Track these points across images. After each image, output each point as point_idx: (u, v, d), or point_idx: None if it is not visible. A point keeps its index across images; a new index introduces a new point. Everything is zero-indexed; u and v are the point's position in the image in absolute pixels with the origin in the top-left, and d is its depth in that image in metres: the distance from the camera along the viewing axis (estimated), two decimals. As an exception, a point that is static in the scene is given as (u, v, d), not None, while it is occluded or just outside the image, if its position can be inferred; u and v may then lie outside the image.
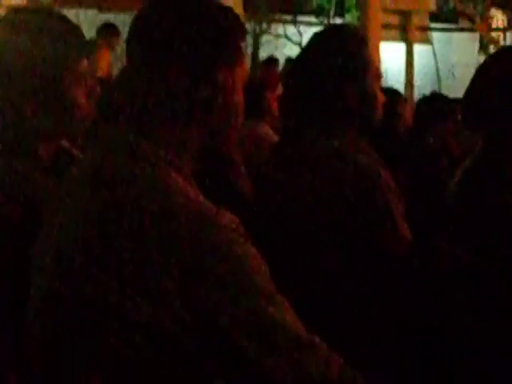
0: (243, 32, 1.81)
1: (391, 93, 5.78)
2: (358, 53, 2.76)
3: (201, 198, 1.63)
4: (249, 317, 1.54)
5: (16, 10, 2.36)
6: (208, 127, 1.74)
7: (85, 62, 2.17)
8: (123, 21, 8.23)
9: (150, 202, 1.57)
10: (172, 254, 1.53)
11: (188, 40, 1.70)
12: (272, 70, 5.11)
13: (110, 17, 11.53)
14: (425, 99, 5.96)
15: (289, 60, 9.41)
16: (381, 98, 2.80)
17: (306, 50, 2.84)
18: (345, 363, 1.60)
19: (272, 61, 10.64)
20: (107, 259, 1.57)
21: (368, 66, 2.76)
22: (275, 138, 5.03)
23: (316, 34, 2.86)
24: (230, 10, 1.80)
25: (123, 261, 1.55)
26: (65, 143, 2.28)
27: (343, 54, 2.71)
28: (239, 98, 1.78)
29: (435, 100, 5.87)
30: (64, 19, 2.18)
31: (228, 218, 1.59)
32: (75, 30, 2.17)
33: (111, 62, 9.49)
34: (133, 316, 1.53)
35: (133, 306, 1.53)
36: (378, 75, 2.84)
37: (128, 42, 1.77)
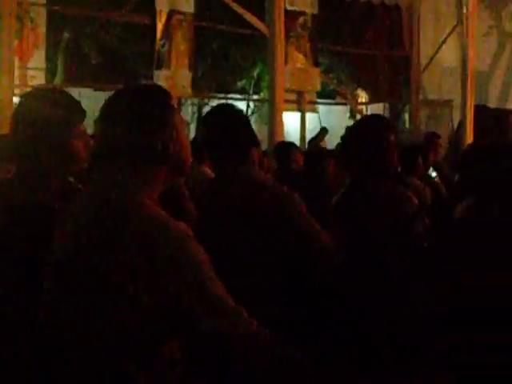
0: (171, 97, 1.80)
1: (290, 145, 5.96)
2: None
3: (164, 213, 1.67)
4: (199, 291, 1.58)
5: (37, 88, 2.37)
6: (166, 167, 1.76)
7: (83, 124, 2.19)
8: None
9: (130, 216, 1.61)
10: (145, 246, 1.57)
11: (141, 112, 1.72)
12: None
13: (101, 94, 11.47)
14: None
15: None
16: None
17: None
18: (259, 324, 1.63)
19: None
20: (102, 250, 1.60)
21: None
22: (212, 175, 5.08)
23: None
24: (159, 87, 1.86)
25: (112, 251, 1.58)
26: (70, 179, 2.29)
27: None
28: (185, 141, 1.80)
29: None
30: (69, 95, 2.20)
31: (183, 226, 1.65)
32: (76, 102, 2.18)
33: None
34: (121, 288, 1.57)
35: (120, 282, 1.57)
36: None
37: (105, 112, 1.77)
